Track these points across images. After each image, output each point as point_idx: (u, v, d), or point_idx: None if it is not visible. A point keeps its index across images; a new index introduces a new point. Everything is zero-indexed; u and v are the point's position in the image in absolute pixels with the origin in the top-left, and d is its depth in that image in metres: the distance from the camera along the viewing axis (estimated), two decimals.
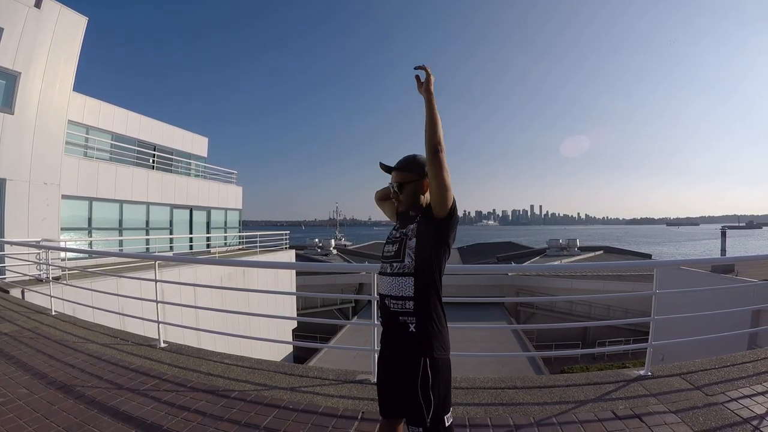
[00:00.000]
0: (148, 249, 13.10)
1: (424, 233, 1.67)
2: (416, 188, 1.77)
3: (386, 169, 1.86)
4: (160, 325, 4.18)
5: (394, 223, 1.95)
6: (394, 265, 1.68)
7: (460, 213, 1.77)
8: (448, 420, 1.65)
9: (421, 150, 1.72)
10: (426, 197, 1.78)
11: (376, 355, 3.08)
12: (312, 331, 21.31)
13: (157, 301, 4.16)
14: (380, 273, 1.76)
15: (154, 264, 4.30)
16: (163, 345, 4.12)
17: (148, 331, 5.18)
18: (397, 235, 1.75)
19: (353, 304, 25.46)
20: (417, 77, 1.65)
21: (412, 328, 1.63)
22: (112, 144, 12.75)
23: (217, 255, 15.03)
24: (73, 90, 9.99)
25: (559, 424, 2.47)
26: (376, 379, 2.94)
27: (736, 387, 2.83)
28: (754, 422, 2.35)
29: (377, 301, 1.79)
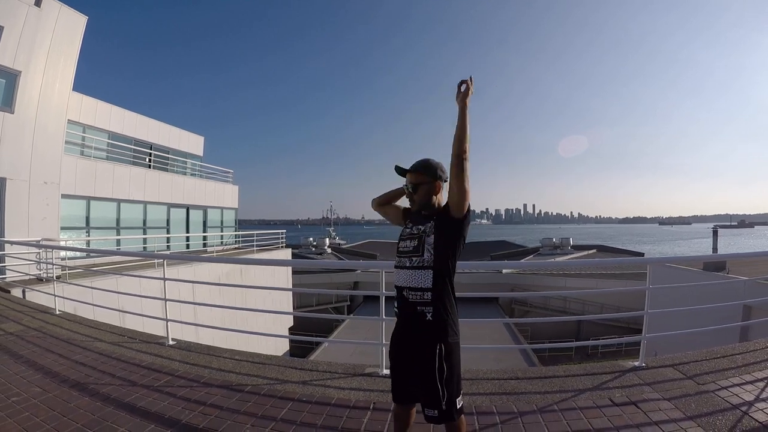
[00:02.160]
0: (145, 248, 13.07)
1: (441, 231, 1.80)
2: (429, 189, 1.90)
3: (401, 171, 1.98)
4: (168, 322, 4.23)
5: (399, 224, 2.09)
6: (414, 259, 1.80)
7: None
8: (459, 402, 1.78)
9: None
10: (437, 198, 1.91)
11: (385, 349, 3.19)
12: (308, 330, 21.36)
13: (165, 299, 4.22)
14: (397, 267, 1.87)
15: (163, 263, 4.35)
16: (171, 342, 4.18)
17: (148, 328, 5.19)
18: (414, 232, 1.87)
19: (349, 302, 25.62)
20: (459, 86, 1.80)
21: (429, 316, 1.76)
22: (108, 143, 12.70)
23: (214, 254, 15.01)
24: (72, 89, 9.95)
25: (560, 410, 2.60)
26: (387, 370, 3.04)
27: (727, 377, 2.96)
28: (743, 408, 2.50)
29: (394, 293, 1.92)
